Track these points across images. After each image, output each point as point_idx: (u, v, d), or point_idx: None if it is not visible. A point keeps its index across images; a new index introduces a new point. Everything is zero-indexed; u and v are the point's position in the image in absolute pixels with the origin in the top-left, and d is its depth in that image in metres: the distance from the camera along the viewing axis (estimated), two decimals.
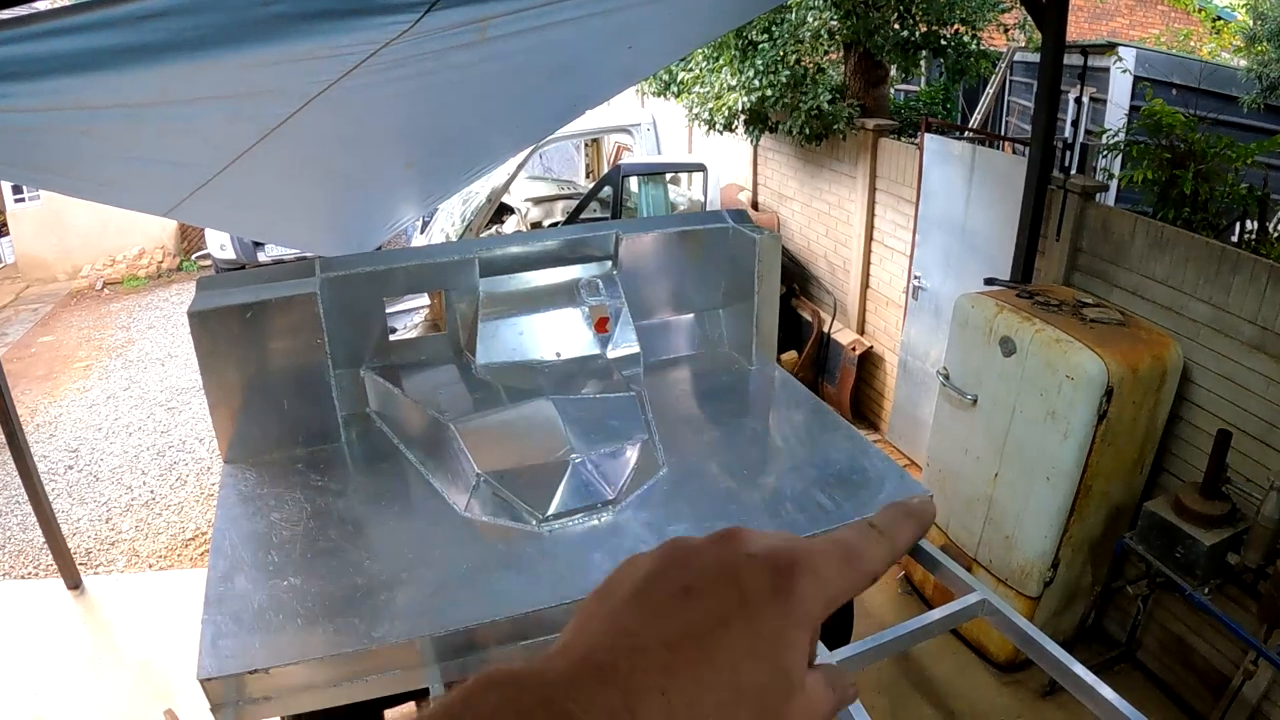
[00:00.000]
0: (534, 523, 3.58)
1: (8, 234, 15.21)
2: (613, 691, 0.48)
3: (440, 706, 0.49)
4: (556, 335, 4.72)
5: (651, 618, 0.53)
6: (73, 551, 6.55)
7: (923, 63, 8.84)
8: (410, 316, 6.09)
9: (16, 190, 14.50)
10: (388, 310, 4.71)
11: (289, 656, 2.96)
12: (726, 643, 0.51)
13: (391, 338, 4.72)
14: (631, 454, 3.86)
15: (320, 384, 4.22)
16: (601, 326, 4.76)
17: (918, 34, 7.56)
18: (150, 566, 6.98)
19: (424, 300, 5.98)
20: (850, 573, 0.60)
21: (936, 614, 3.48)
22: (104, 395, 10.26)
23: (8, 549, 7.27)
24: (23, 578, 6.89)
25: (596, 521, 3.61)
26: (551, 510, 3.60)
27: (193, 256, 15.21)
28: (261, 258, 11.59)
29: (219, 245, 12.10)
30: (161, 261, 15.15)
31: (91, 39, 3.72)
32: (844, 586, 0.59)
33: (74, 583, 6.40)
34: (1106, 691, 2.89)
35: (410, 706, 4.31)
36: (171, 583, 6.63)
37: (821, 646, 3.25)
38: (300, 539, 3.60)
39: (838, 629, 4.36)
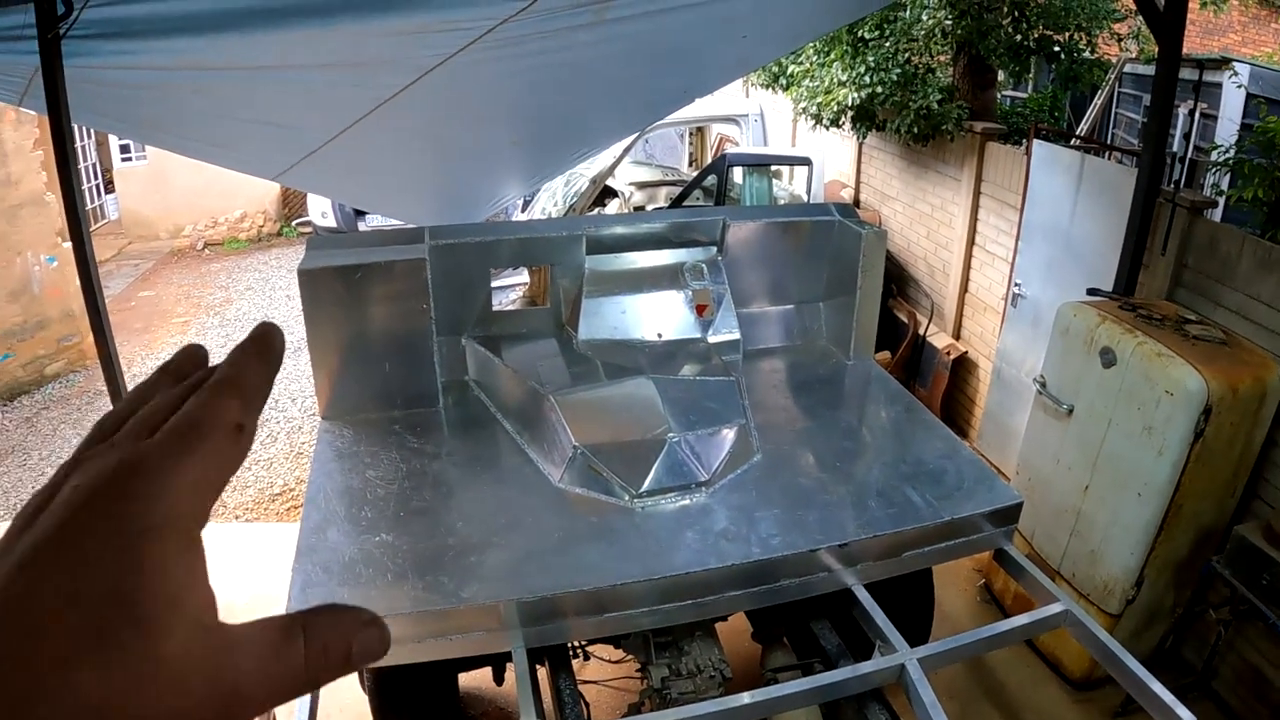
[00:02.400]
0: (626, 498, 3.61)
1: (114, 191, 15.59)
2: None
3: None
4: (658, 316, 4.75)
5: None
6: None
7: (1032, 69, 8.74)
8: (507, 293, 6.14)
9: (124, 149, 14.87)
10: None
11: (377, 609, 2.98)
12: (45, 596, 0.43)
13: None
14: (727, 438, 3.88)
15: (423, 348, 4.29)
16: (703, 311, 4.78)
17: (1031, 39, 7.47)
18: (237, 518, 7.15)
19: (522, 277, 6.04)
20: (197, 443, 0.49)
21: (1019, 620, 3.48)
22: None
23: None
24: None
25: (688, 501, 3.64)
26: (645, 487, 3.63)
27: (293, 222, 15.48)
28: (362, 227, 11.75)
29: (320, 212, 12.30)
30: (262, 226, 15.44)
31: (218, 1, 3.82)
32: (198, 462, 0.49)
33: None
34: (1184, 713, 2.87)
35: (485, 672, 4.37)
36: (257, 535, 6.76)
37: (898, 640, 3.26)
38: (394, 497, 3.67)
39: (916, 629, 4.35)
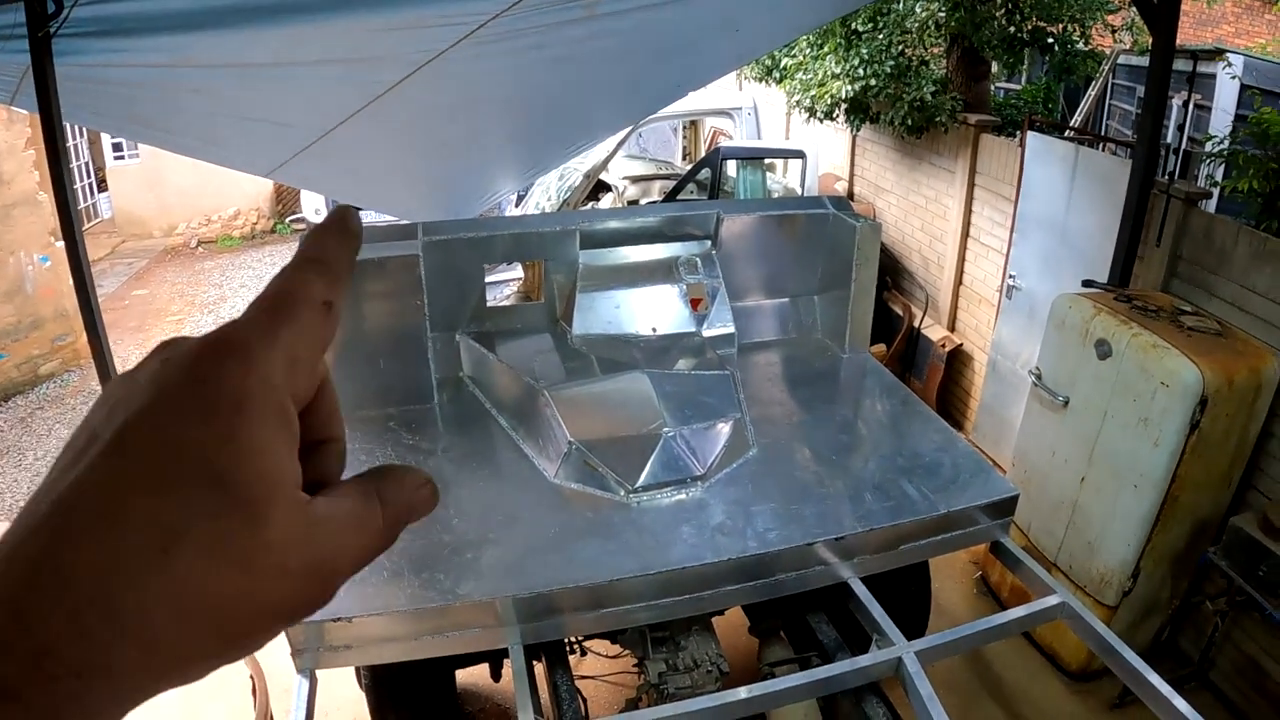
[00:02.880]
0: (622, 493, 3.61)
1: (107, 190, 15.56)
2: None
3: None
4: (653, 311, 4.74)
5: (57, 478, 0.43)
6: None
7: (1026, 61, 8.73)
8: (502, 289, 6.14)
9: (117, 148, 14.83)
10: None
11: (372, 607, 3.02)
12: (132, 478, 0.42)
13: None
14: (723, 432, 3.88)
15: (417, 345, 4.28)
16: (697, 305, 4.78)
17: (1025, 30, 7.47)
18: None
19: (516, 272, 6.04)
20: (290, 318, 0.48)
21: (1016, 613, 3.48)
22: None
23: None
24: None
25: (684, 496, 3.63)
26: (641, 482, 3.62)
27: (287, 219, 15.45)
28: None
29: (314, 209, 12.29)
30: (256, 223, 15.41)
31: None
32: (291, 335, 0.48)
33: None
34: (1181, 704, 2.87)
35: (482, 669, 4.36)
36: None
37: (893, 632, 3.26)
38: None
39: (913, 622, 4.35)
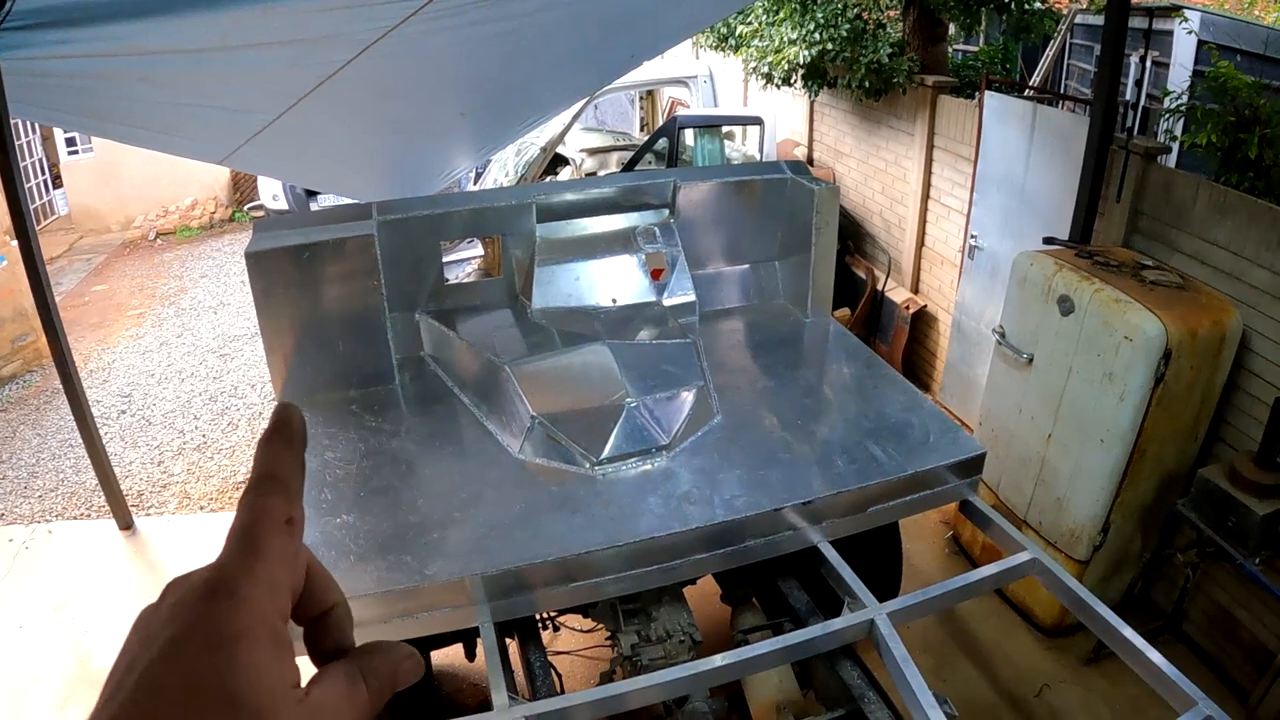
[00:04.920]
0: (587, 466, 3.59)
1: (61, 185, 15.37)
2: None
3: None
4: (612, 282, 4.71)
5: (102, 708, 0.52)
6: (125, 494, 6.63)
7: (983, 21, 8.71)
8: (463, 266, 6.09)
9: (70, 143, 14.65)
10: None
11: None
12: (163, 704, 0.50)
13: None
14: (686, 400, 3.86)
15: (376, 326, 4.24)
16: (657, 274, 4.75)
17: None
18: (201, 509, 7.07)
19: (477, 250, 5.99)
20: (262, 550, 0.58)
21: (986, 571, 3.48)
22: (157, 342, 10.38)
23: (61, 491, 7.39)
24: (76, 519, 7.00)
25: (649, 466, 3.61)
26: (605, 454, 3.61)
27: (245, 207, 15.31)
28: (314, 208, 11.63)
29: (271, 195, 12.18)
30: (214, 212, 15.26)
31: None
32: (268, 567, 0.58)
33: (126, 524, 6.49)
34: (1155, 656, 2.88)
35: (457, 650, 4.34)
36: (222, 524, 6.61)
37: (869, 598, 3.25)
38: (354, 478, 3.63)
39: (885, 584, 4.35)
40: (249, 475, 0.64)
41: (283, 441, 0.65)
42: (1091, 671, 5.04)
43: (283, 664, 0.55)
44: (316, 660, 0.62)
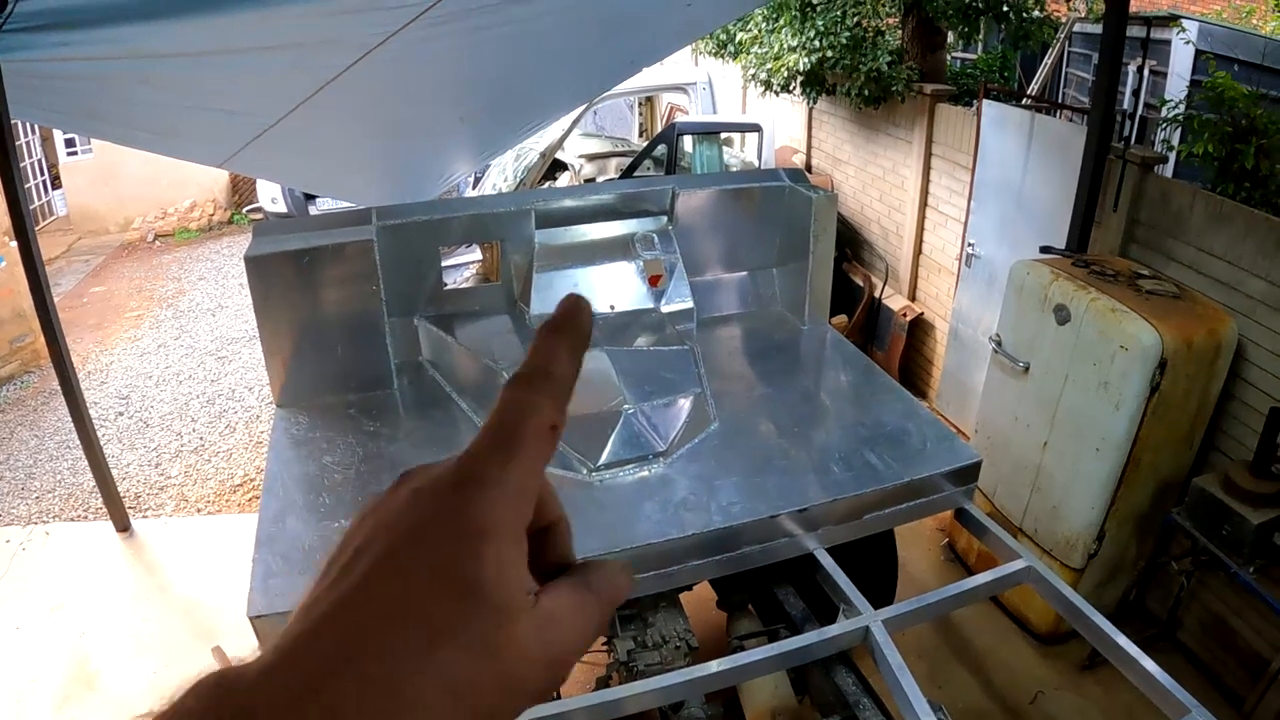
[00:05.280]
0: (585, 471, 3.59)
1: (60, 186, 15.37)
2: (296, 675, 0.47)
3: (168, 703, 0.48)
4: (611, 288, 4.72)
5: (331, 587, 0.51)
6: (122, 496, 6.63)
7: (981, 30, 8.73)
8: (460, 271, 6.10)
9: (69, 144, 14.65)
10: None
11: None
12: (402, 585, 0.50)
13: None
14: (683, 407, 3.87)
15: (374, 331, 4.25)
16: (655, 281, 4.76)
17: None
18: (198, 511, 7.07)
19: (475, 255, 5.99)
20: (519, 450, 0.55)
21: (982, 579, 3.49)
22: (155, 344, 10.37)
23: (58, 492, 7.39)
24: (73, 520, 7.00)
25: (647, 473, 3.62)
26: (603, 460, 3.61)
27: (244, 210, 15.29)
28: (313, 211, 11.61)
29: (270, 198, 12.16)
30: (213, 214, 15.26)
31: None
32: (521, 468, 0.55)
33: (123, 526, 6.48)
34: (1149, 664, 2.89)
35: None
36: (219, 527, 6.70)
37: (863, 603, 3.26)
38: (352, 482, 3.64)
39: (881, 591, 4.36)
40: (523, 363, 0.60)
41: (568, 338, 0.61)
42: (1086, 679, 5.06)
43: (523, 565, 0.54)
44: (536, 574, 0.58)
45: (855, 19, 7.42)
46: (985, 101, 6.66)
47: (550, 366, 0.59)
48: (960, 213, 7.12)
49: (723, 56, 10.22)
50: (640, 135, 13.44)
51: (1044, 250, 5.46)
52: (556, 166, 9.51)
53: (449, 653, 0.48)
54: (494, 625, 0.50)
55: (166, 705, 0.47)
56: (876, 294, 8.31)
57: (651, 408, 3.81)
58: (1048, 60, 9.75)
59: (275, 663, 0.47)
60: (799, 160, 9.69)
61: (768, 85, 8.20)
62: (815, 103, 8.47)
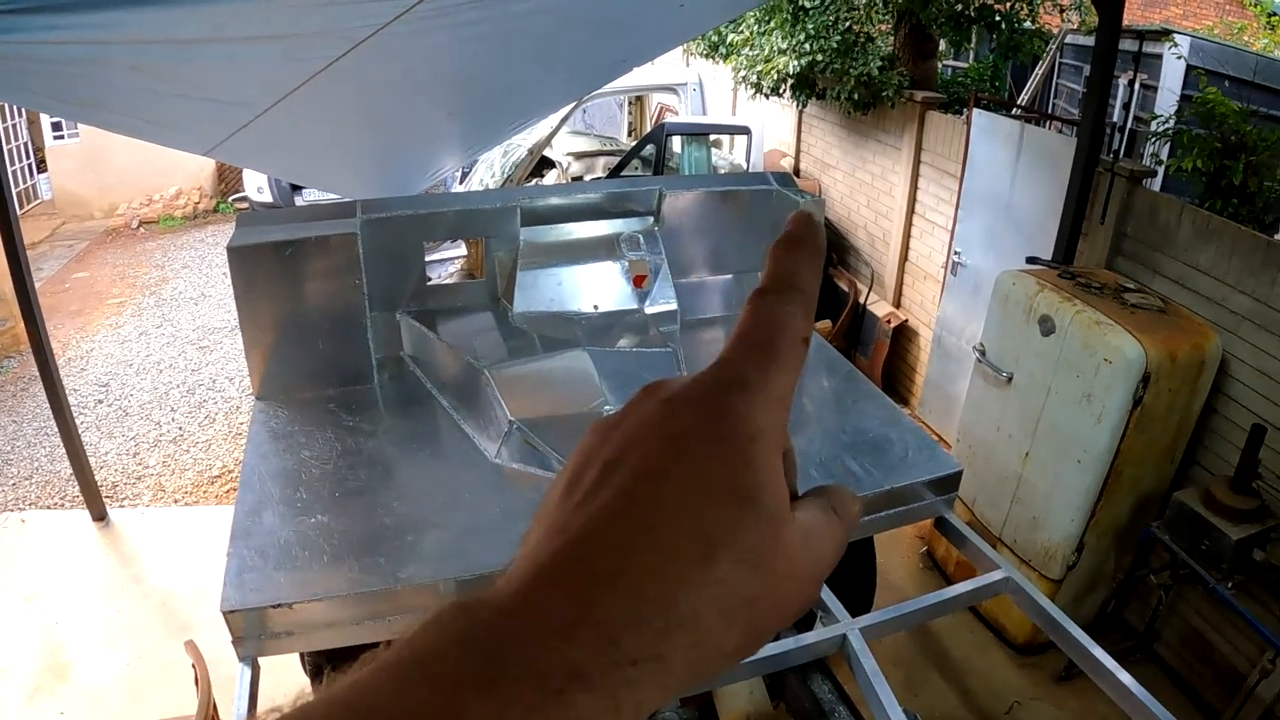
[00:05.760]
0: None
1: (46, 170, 15.30)
2: (559, 596, 0.45)
3: (396, 643, 0.45)
4: (595, 288, 4.69)
5: (584, 503, 0.49)
6: (99, 484, 6.61)
7: (973, 39, 8.74)
8: (445, 266, 6.07)
9: (56, 127, 14.58)
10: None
11: (313, 592, 2.97)
12: (669, 495, 0.48)
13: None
14: None
15: (356, 325, 4.22)
16: (640, 282, 4.74)
17: (972, 8, 7.47)
18: (176, 502, 7.04)
19: (460, 250, 5.97)
20: (777, 357, 0.53)
21: (960, 588, 3.48)
22: (136, 332, 10.33)
23: (35, 479, 7.35)
24: (49, 508, 6.96)
25: None
26: None
27: (229, 199, 15.23)
28: (299, 202, 11.57)
29: (256, 188, 12.11)
30: (198, 202, 15.21)
31: None
32: (780, 376, 0.53)
33: (99, 515, 6.46)
34: (1125, 677, 2.88)
35: None
36: (196, 518, 6.67)
37: (839, 608, 3.25)
38: (329, 477, 3.61)
39: (858, 598, 4.35)
40: (764, 278, 0.58)
41: (806, 252, 0.59)
42: (1063, 690, 5.07)
43: (782, 479, 0.51)
44: None
45: (847, 23, 7.42)
46: (975, 110, 6.67)
47: (795, 279, 0.58)
48: (947, 221, 7.13)
49: (714, 58, 10.21)
50: (629, 135, 13.45)
51: (1030, 261, 5.47)
52: (544, 164, 9.50)
53: (724, 566, 0.47)
54: (768, 535, 0.48)
55: (399, 643, 0.45)
56: (861, 300, 8.32)
57: None
58: (1039, 71, 9.76)
59: (531, 585, 0.46)
60: (787, 164, 9.69)
61: (758, 87, 8.21)
62: (805, 106, 8.49)
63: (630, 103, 13.60)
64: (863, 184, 8.46)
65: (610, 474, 0.49)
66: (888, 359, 8.04)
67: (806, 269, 0.58)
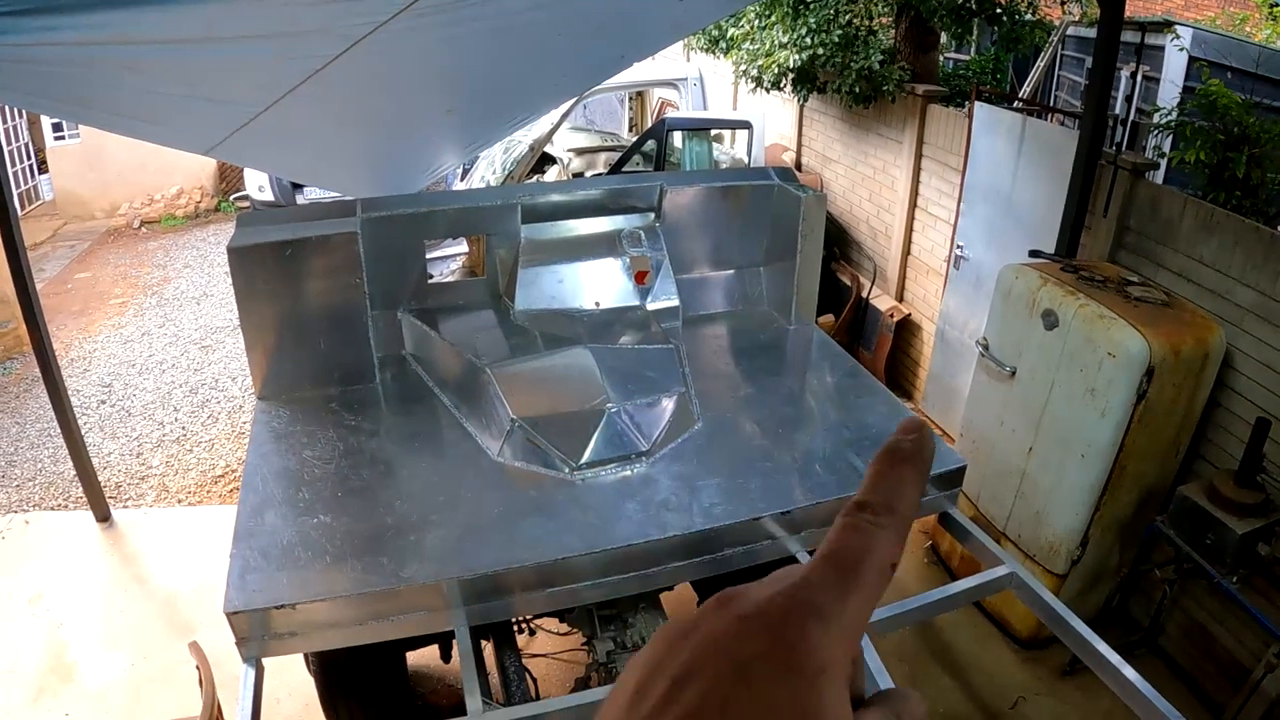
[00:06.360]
0: (566, 471, 3.56)
1: (47, 171, 15.30)
2: None
3: None
4: (596, 285, 4.69)
5: (639, 709, 0.48)
6: (103, 485, 6.61)
7: (974, 31, 8.71)
8: (447, 264, 6.06)
9: (56, 128, 14.57)
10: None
11: (316, 593, 2.97)
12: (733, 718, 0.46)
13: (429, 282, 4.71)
14: (667, 406, 3.84)
15: (357, 324, 4.21)
16: (641, 278, 4.73)
17: (973, 0, 7.45)
18: (179, 502, 7.04)
19: (461, 247, 5.96)
20: (859, 585, 0.51)
21: (963, 584, 3.47)
22: (138, 332, 10.33)
23: (39, 480, 7.35)
24: (53, 509, 6.95)
25: (629, 472, 3.59)
26: (585, 459, 3.58)
27: (231, 197, 15.21)
28: (300, 200, 11.56)
29: (257, 186, 12.09)
30: (200, 202, 15.20)
31: None
32: (859, 604, 0.51)
33: (103, 515, 6.46)
34: (1129, 672, 2.87)
35: (433, 649, 4.33)
36: (200, 518, 6.67)
37: None
38: (331, 477, 3.60)
39: None
40: (862, 490, 0.56)
41: (914, 470, 0.57)
42: (1067, 684, 5.06)
43: (848, 709, 0.50)
44: None
45: (847, 17, 7.40)
46: (977, 103, 6.65)
47: (894, 501, 0.55)
48: (950, 214, 7.11)
49: (714, 52, 10.19)
50: (630, 130, 13.43)
51: (1033, 254, 5.45)
52: (545, 160, 9.48)
53: None
54: None
55: None
56: (864, 294, 8.31)
57: (635, 407, 3.78)
58: (1040, 63, 9.74)
59: None
60: (789, 158, 9.67)
61: (758, 82, 8.19)
62: (806, 100, 8.47)
63: (631, 98, 13.58)
64: (864, 178, 8.44)
65: (678, 690, 0.48)
66: (890, 353, 8.02)
67: (908, 488, 0.56)
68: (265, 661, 2.96)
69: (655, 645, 0.52)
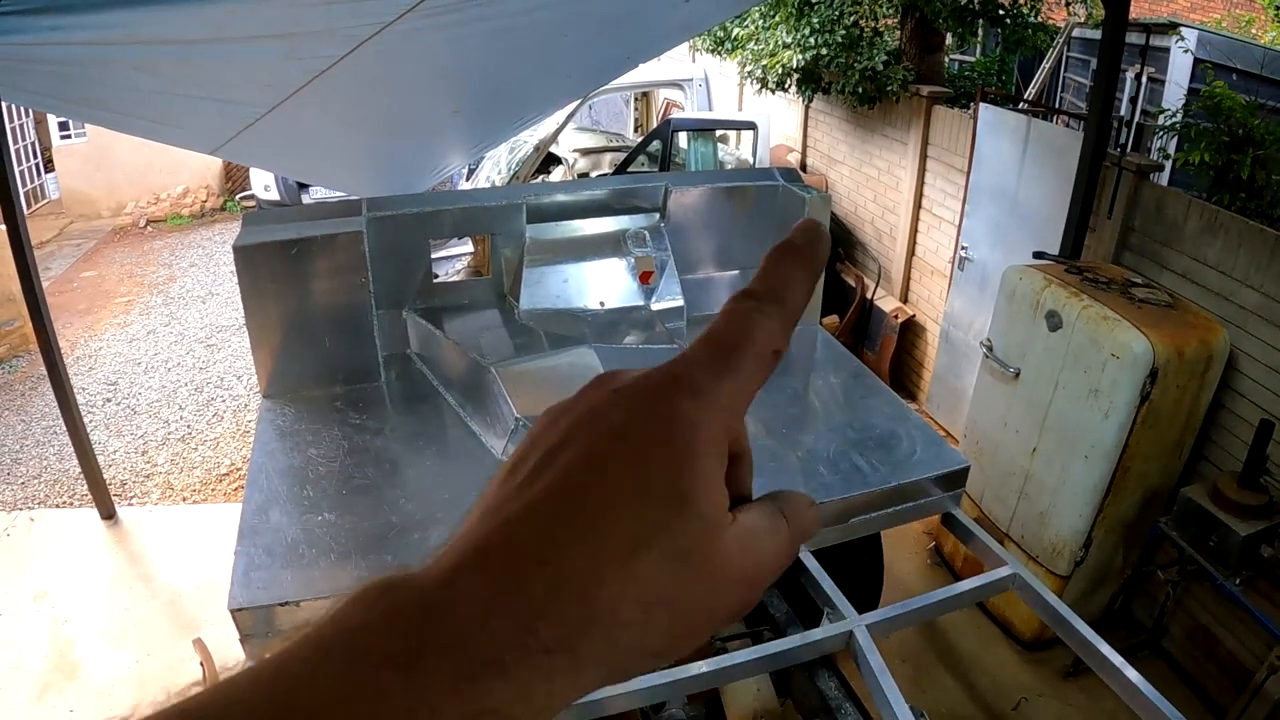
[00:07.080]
0: None
1: (53, 170, 15.31)
2: (481, 578, 0.44)
3: (324, 616, 0.44)
4: (601, 285, 4.70)
5: (523, 487, 0.48)
6: (108, 483, 6.62)
7: (979, 33, 8.71)
8: (452, 263, 6.08)
9: (63, 127, 14.59)
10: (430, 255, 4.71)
11: (320, 590, 2.98)
12: (607, 490, 0.47)
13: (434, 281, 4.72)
14: None
15: (362, 323, 4.22)
16: (646, 279, 4.73)
17: (977, 2, 7.45)
18: (184, 500, 7.05)
19: (466, 247, 5.98)
20: (736, 367, 0.52)
21: (966, 585, 3.48)
22: (144, 331, 10.34)
23: (44, 478, 7.36)
24: (58, 507, 6.97)
25: None
26: None
27: (236, 197, 15.25)
28: (306, 200, 11.57)
29: (263, 186, 12.12)
30: (205, 201, 15.22)
31: None
32: (735, 386, 0.51)
33: (108, 513, 6.47)
34: (1132, 674, 2.87)
35: None
36: (205, 516, 6.68)
37: (845, 605, 3.24)
38: (336, 475, 3.62)
39: (866, 595, 4.35)
40: (751, 280, 0.56)
41: (804, 263, 0.57)
42: (1070, 686, 5.05)
43: (724, 484, 0.51)
44: None
45: (852, 18, 7.40)
46: (982, 105, 6.65)
47: (781, 291, 0.56)
48: (954, 215, 7.11)
49: (719, 53, 10.19)
50: (635, 131, 13.44)
51: (1037, 256, 5.45)
52: (551, 160, 9.49)
53: (650, 563, 0.46)
54: (699, 537, 0.48)
55: (327, 617, 0.44)
56: (869, 295, 8.30)
57: None
58: (1045, 65, 9.74)
59: (457, 565, 0.45)
60: (794, 159, 9.67)
61: (763, 82, 8.19)
62: (810, 101, 8.48)
63: (636, 99, 13.60)
64: (869, 179, 8.44)
65: (550, 460, 0.49)
66: (895, 354, 8.02)
67: (797, 281, 0.57)
68: None
69: (537, 422, 0.53)
